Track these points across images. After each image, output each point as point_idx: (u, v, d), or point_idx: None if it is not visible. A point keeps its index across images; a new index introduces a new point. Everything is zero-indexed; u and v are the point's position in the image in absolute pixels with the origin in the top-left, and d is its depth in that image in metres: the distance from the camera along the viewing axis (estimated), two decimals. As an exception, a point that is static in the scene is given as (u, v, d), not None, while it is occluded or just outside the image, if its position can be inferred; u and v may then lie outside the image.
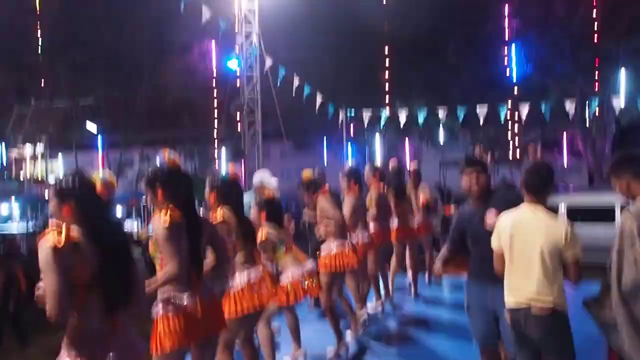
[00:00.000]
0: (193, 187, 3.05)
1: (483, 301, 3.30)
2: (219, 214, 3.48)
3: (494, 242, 3.05)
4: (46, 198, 25.75)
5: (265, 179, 5.11)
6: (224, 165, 21.13)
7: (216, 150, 21.19)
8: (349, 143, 11.51)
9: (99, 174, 2.30)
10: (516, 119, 16.69)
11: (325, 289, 4.72)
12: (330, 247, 4.81)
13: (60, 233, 2.12)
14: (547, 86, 17.23)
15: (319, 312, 6.30)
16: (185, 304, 2.80)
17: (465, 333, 5.26)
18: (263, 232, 4.06)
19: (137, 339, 2.34)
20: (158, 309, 2.82)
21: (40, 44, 27.31)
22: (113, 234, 2.28)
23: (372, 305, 6.05)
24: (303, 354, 4.46)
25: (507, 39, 18.45)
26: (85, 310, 2.16)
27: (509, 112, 9.86)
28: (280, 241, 4.17)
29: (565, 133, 20.00)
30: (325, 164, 23.52)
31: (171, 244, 2.79)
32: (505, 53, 18.36)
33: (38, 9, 27.20)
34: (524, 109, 9.30)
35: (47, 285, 2.09)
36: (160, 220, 2.81)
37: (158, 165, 2.98)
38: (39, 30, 27.16)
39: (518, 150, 19.88)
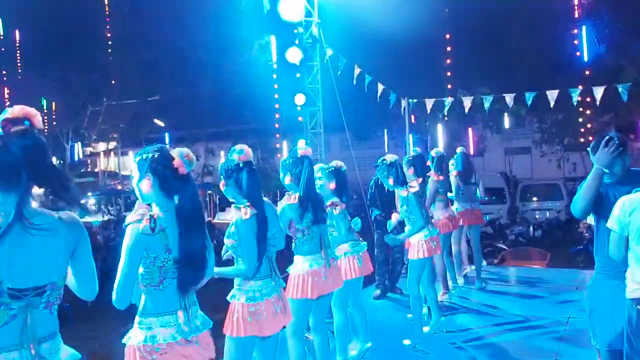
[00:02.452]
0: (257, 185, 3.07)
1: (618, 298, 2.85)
2: (293, 197, 3.51)
3: (614, 225, 2.76)
4: (119, 190, 27.13)
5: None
6: (285, 156, 21.41)
7: (277, 143, 21.50)
8: (411, 133, 11.32)
9: (178, 150, 2.31)
10: (587, 101, 15.84)
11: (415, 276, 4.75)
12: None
13: (147, 219, 2.16)
14: (621, 67, 16.24)
15: (383, 302, 6.30)
16: (263, 299, 2.90)
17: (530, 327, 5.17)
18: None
19: (203, 319, 2.37)
20: (236, 295, 2.93)
21: (110, 44, 28.67)
22: (193, 207, 2.27)
23: (438, 295, 5.96)
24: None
25: (576, 17, 17.51)
26: (160, 294, 2.21)
27: (580, 95, 9.34)
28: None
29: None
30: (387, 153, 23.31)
31: (249, 240, 2.86)
32: (576, 34, 17.42)
33: (107, 12, 28.50)
34: (598, 92, 8.79)
35: (121, 269, 2.14)
36: (241, 214, 2.88)
37: (236, 160, 3.02)
38: (109, 32, 28.53)
39: (590, 135, 18.90)
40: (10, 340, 1.70)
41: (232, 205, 3.02)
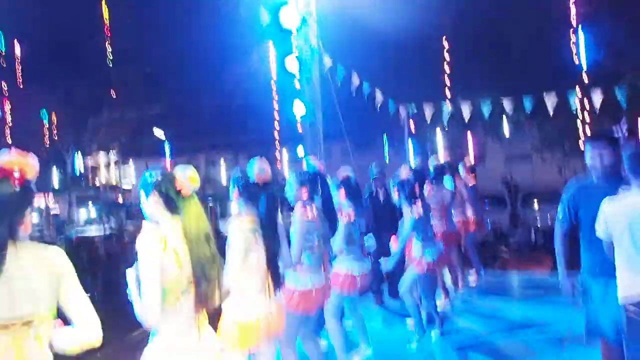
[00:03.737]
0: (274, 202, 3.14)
1: (610, 294, 2.92)
2: (310, 211, 3.53)
3: (601, 233, 2.83)
4: (120, 202, 27.18)
5: None
6: (286, 167, 21.46)
7: (277, 152, 21.56)
8: (410, 139, 11.33)
9: (181, 169, 2.35)
10: (587, 107, 15.87)
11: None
12: None
13: (162, 241, 2.18)
14: (620, 72, 16.29)
15: (383, 309, 6.28)
16: (256, 314, 2.89)
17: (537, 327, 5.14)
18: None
19: (211, 333, 2.38)
20: (230, 310, 2.91)
21: (110, 57, 28.85)
22: (199, 228, 2.29)
23: (441, 302, 5.95)
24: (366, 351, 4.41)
25: (575, 22, 17.59)
26: (176, 313, 2.21)
27: (579, 100, 9.38)
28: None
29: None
30: (387, 161, 23.35)
31: (237, 250, 2.86)
32: (573, 38, 17.49)
33: (107, 25, 28.69)
34: (597, 97, 8.81)
35: (145, 291, 2.14)
36: (235, 224, 2.91)
37: (254, 179, 3.08)
38: (109, 45, 28.71)
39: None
40: None
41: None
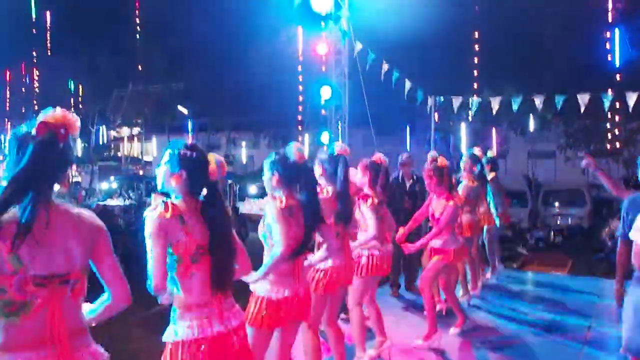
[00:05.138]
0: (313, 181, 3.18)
1: None
2: (325, 192, 3.54)
3: (638, 236, 2.77)
4: (141, 175, 27.47)
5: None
6: (306, 150, 21.48)
7: (299, 135, 21.55)
8: (435, 131, 11.24)
9: (215, 156, 2.35)
10: (617, 107, 15.52)
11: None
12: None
13: (166, 206, 2.19)
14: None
15: (398, 300, 6.28)
16: (284, 295, 2.89)
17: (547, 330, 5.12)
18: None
19: (238, 310, 2.38)
20: (259, 288, 2.92)
21: (138, 30, 28.97)
22: (217, 208, 2.31)
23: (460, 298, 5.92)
24: (387, 344, 4.40)
25: (610, 21, 17.16)
26: (190, 284, 2.22)
27: (610, 101, 9.16)
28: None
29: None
30: (409, 150, 23.20)
31: (282, 226, 2.87)
32: (608, 37, 17.08)
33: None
34: (631, 98, 8.60)
35: (150, 257, 2.17)
36: (275, 203, 2.92)
37: (285, 154, 3.06)
38: (138, 18, 28.82)
39: (617, 142, 18.56)
40: (41, 332, 1.70)
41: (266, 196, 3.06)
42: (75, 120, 1.83)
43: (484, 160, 6.77)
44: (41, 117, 1.79)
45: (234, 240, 2.37)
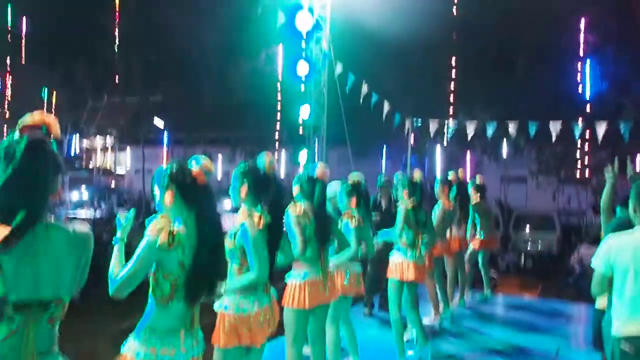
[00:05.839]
0: (281, 194, 3.14)
1: None
2: (299, 208, 3.55)
3: (599, 265, 2.88)
4: (112, 187, 27.05)
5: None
6: (283, 168, 21.48)
7: (276, 152, 21.56)
8: (411, 153, 11.40)
9: (194, 159, 2.34)
10: (587, 137, 16.01)
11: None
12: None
13: (168, 232, 2.15)
14: (622, 105, 16.47)
15: (372, 320, 6.28)
16: (253, 310, 2.84)
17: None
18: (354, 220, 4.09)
19: (201, 338, 2.35)
20: (226, 306, 2.85)
21: (116, 40, 28.74)
22: (213, 221, 2.30)
23: (429, 319, 5.96)
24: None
25: (581, 54, 17.78)
26: (165, 311, 2.19)
27: (581, 130, 9.50)
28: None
29: (640, 155, 19.01)
30: (384, 172, 23.39)
31: (261, 249, 2.83)
32: (579, 69, 17.67)
33: (117, 8, 28.63)
34: (601, 128, 8.90)
35: (129, 266, 2.13)
36: (254, 222, 2.85)
37: (252, 164, 3.02)
38: (116, 28, 28.61)
39: (587, 169, 19.07)
40: (10, 356, 1.63)
41: (241, 210, 2.97)
42: (55, 121, 1.78)
43: (469, 184, 6.91)
44: (20, 122, 1.74)
45: (222, 260, 2.37)
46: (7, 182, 1.62)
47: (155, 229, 2.16)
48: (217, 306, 2.88)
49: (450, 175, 6.41)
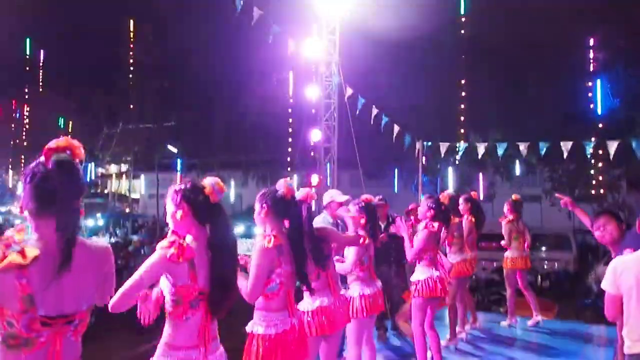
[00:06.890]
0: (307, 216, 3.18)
1: None
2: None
3: (610, 286, 2.89)
4: (127, 213, 27.25)
5: (334, 194, 5.06)
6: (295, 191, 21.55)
7: (288, 176, 21.67)
8: (423, 174, 11.41)
9: (209, 179, 2.39)
10: (600, 154, 15.88)
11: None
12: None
13: (178, 248, 2.18)
14: (635, 121, 16.37)
15: (385, 344, 6.22)
16: (281, 330, 2.87)
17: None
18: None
19: (221, 353, 2.36)
20: (256, 326, 2.87)
21: (131, 69, 29.33)
22: (227, 238, 2.34)
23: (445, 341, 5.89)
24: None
25: (592, 71, 17.77)
26: (183, 326, 2.22)
27: (593, 148, 9.47)
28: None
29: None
30: (396, 192, 23.36)
31: (257, 270, 2.83)
32: (590, 86, 17.64)
33: (132, 38, 29.27)
34: (612, 146, 8.86)
35: (131, 279, 2.16)
36: (263, 242, 2.88)
37: (275, 189, 3.07)
38: (131, 57, 29.23)
39: (602, 188, 18.88)
40: None
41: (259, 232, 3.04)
42: (79, 145, 1.87)
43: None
44: (46, 147, 1.84)
45: (236, 277, 2.40)
46: (40, 196, 1.75)
47: (166, 242, 2.20)
48: (248, 327, 2.91)
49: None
